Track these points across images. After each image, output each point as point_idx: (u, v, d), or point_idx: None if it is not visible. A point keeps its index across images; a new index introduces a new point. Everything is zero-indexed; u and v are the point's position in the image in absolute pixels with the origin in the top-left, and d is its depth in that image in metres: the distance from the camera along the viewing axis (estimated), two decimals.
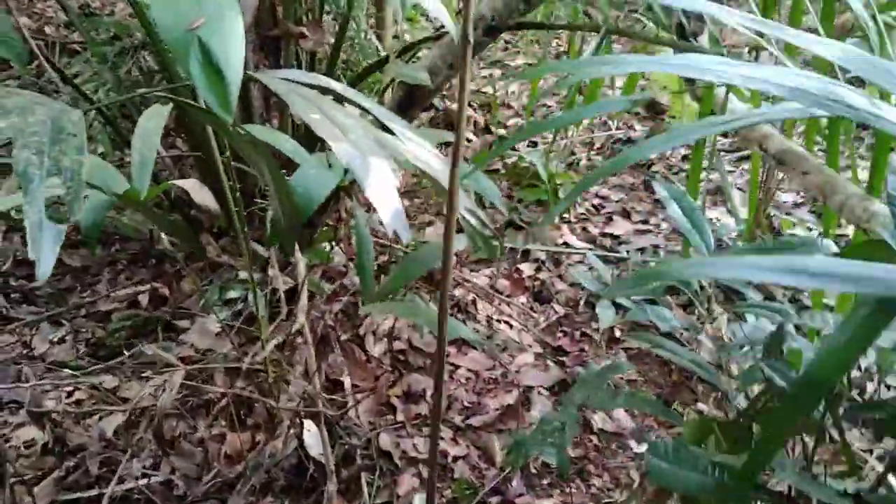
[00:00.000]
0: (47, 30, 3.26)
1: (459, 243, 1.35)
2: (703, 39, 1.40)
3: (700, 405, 1.63)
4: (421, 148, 0.99)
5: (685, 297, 1.82)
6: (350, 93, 1.01)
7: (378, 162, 0.79)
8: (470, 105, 2.63)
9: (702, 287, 1.27)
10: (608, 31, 1.35)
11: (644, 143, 0.81)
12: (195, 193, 1.20)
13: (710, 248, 1.18)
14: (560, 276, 1.95)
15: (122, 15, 3.37)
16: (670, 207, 1.20)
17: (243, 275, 1.75)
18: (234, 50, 0.72)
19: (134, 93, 2.07)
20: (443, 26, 2.25)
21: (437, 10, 0.98)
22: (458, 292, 1.87)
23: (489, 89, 2.75)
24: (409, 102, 1.52)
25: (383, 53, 2.19)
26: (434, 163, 0.99)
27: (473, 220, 1.00)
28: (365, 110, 0.98)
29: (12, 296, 1.96)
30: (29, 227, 0.55)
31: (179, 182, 1.23)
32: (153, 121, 1.10)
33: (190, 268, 1.94)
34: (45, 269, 0.54)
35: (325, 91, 0.95)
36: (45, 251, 0.55)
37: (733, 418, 0.98)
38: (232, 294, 1.70)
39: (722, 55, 1.22)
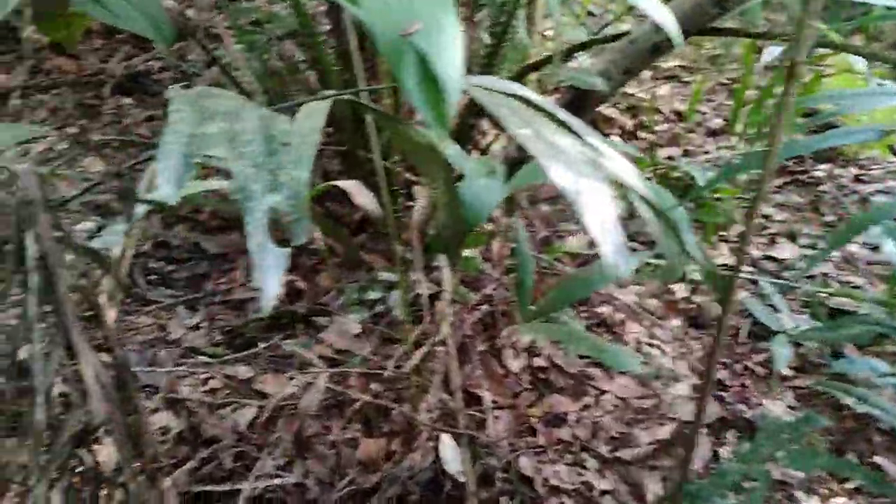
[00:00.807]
0: (189, 12, 3.34)
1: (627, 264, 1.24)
2: None
3: (878, 458, 1.46)
4: (622, 165, 0.89)
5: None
6: (540, 100, 0.93)
7: (595, 186, 0.70)
8: (615, 107, 2.50)
9: None
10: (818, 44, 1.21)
11: None
12: (356, 195, 1.15)
13: None
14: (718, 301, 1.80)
15: (261, 0, 3.41)
16: (887, 246, 1.05)
17: (383, 275, 1.70)
18: (453, 60, 0.64)
19: (285, 84, 2.06)
20: (604, 27, 2.14)
21: (653, 8, 0.87)
22: (603, 310, 1.76)
23: (636, 92, 2.60)
24: (576, 108, 1.42)
25: (533, 51, 2.09)
26: (637, 182, 0.89)
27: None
28: (559, 121, 0.89)
29: (150, 278, 1.99)
30: (253, 250, 0.49)
31: (341, 183, 1.18)
32: (312, 119, 1.04)
33: (329, 263, 1.91)
34: (270, 296, 0.48)
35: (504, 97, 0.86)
36: (271, 277, 0.49)
37: None
38: (372, 295, 1.66)
39: None
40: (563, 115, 0.90)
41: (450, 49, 0.65)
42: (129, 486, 0.96)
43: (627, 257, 0.69)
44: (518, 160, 1.42)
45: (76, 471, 0.98)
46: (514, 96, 0.83)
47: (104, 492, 1.15)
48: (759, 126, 2.04)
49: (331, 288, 1.84)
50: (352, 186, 1.15)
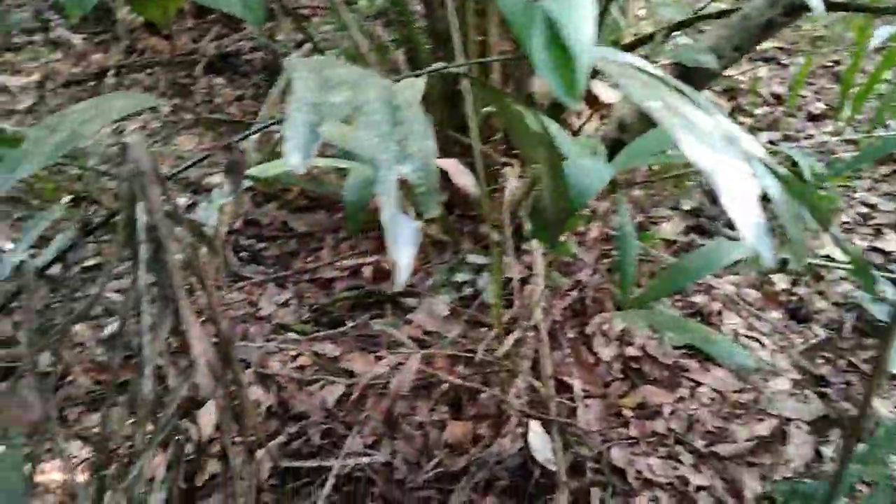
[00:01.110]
0: None
1: (734, 252, 1.18)
2: None
3: None
4: (751, 141, 0.84)
5: None
6: (661, 74, 0.88)
7: (734, 162, 0.65)
8: (711, 90, 2.40)
9: None
10: None
11: None
12: (455, 175, 1.12)
13: None
14: (821, 293, 1.71)
15: None
16: None
17: (472, 258, 1.68)
18: (584, 25, 0.61)
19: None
20: (705, 6, 2.05)
21: None
22: (699, 299, 1.69)
23: (734, 74, 2.49)
24: None
25: (627, 31, 2.02)
26: (770, 160, 0.84)
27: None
28: (684, 94, 0.84)
29: (241, 255, 2.02)
30: (386, 222, 0.47)
31: (439, 161, 1.15)
32: (409, 91, 1.03)
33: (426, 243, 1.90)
34: (405, 269, 0.46)
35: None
36: (404, 250, 0.46)
37: None
38: (460, 277, 1.63)
39: None
40: (686, 89, 0.85)
41: (581, 14, 0.62)
42: (230, 458, 0.96)
43: (770, 240, 0.64)
44: (617, 141, 1.37)
45: (178, 441, 1.00)
46: (636, 69, 0.79)
47: (203, 462, 1.17)
48: (879, 111, 1.92)
49: (417, 269, 1.83)
50: (450, 165, 1.12)
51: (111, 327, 1.74)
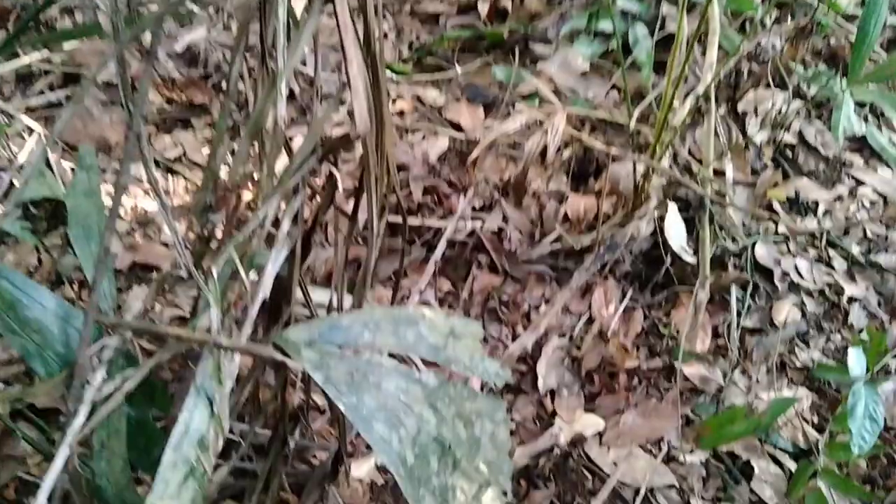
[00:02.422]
0: None
1: None
2: None
3: None
4: None
5: None
6: None
7: None
8: None
9: None
10: None
11: None
12: None
13: None
14: None
15: None
16: None
17: (620, 2, 1.39)
18: None
19: None
20: None
21: None
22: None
23: None
24: None
25: None
26: None
27: None
28: None
29: None
30: None
31: None
32: None
33: None
34: None
35: None
36: None
37: None
38: (605, 25, 1.36)
39: None
40: None
41: None
42: (370, 208, 0.79)
43: None
44: None
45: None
46: None
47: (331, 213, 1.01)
48: None
49: (539, 13, 1.56)
50: None
51: (187, 38, 1.52)
